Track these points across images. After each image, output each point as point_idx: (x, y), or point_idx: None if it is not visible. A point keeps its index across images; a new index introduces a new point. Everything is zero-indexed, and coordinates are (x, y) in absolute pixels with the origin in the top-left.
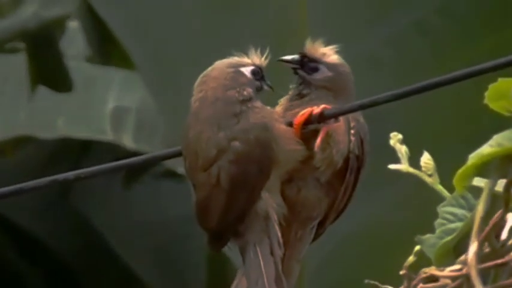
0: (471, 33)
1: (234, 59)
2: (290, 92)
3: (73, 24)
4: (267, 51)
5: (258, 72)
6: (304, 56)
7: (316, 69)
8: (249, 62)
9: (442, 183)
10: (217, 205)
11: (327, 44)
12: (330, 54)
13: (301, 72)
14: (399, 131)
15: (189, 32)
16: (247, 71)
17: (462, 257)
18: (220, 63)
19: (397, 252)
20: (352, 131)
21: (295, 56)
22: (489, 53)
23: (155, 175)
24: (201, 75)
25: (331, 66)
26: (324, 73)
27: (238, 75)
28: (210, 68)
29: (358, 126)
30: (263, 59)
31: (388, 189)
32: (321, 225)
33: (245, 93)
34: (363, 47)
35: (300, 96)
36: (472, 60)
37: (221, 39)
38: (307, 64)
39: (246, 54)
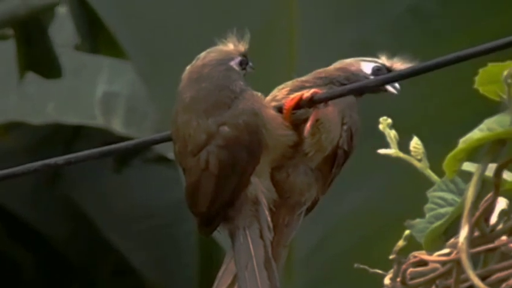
0: (466, 19)
1: (222, 51)
2: (293, 82)
3: (62, 11)
4: (247, 34)
5: (244, 61)
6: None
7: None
8: (235, 52)
9: (431, 167)
10: (206, 190)
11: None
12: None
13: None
14: (389, 116)
15: (179, 19)
16: (236, 64)
17: (451, 241)
18: (210, 58)
19: (387, 237)
20: (344, 127)
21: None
22: (484, 38)
23: (146, 160)
24: (191, 69)
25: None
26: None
27: (230, 72)
28: (200, 63)
29: (350, 122)
30: (246, 43)
31: (378, 174)
32: (308, 211)
33: (237, 89)
34: (357, 33)
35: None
36: (466, 45)
37: (212, 26)
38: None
39: (229, 40)
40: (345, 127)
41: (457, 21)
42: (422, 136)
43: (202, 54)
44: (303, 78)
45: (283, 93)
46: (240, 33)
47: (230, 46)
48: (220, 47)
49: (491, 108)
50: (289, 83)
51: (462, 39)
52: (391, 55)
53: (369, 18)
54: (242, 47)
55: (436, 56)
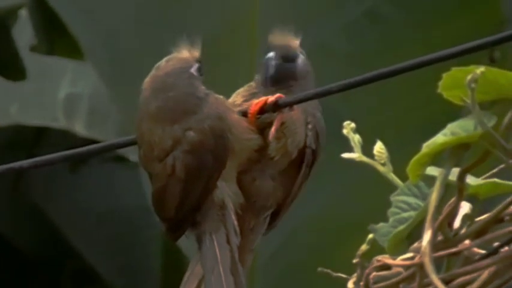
0: (423, 23)
1: (180, 59)
2: (253, 82)
3: (25, 13)
4: (199, 39)
5: (201, 67)
6: (280, 48)
7: (296, 57)
8: (191, 59)
9: (395, 172)
10: (173, 195)
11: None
12: (293, 38)
13: (288, 65)
14: (352, 120)
15: (140, 21)
16: (195, 70)
17: (415, 245)
18: (172, 67)
19: (350, 241)
20: (309, 126)
21: (273, 52)
22: (441, 42)
23: (104, 159)
24: (153, 79)
25: (300, 50)
26: (302, 58)
27: (193, 79)
28: (161, 73)
29: (314, 121)
30: (198, 48)
31: (342, 178)
32: (275, 216)
33: (202, 94)
34: (315, 37)
35: (286, 89)
36: (423, 49)
37: (173, 28)
38: (287, 55)
39: (183, 47)
40: (309, 126)
41: (413, 25)
42: (386, 140)
43: (162, 63)
44: (252, 83)
45: (239, 99)
46: (190, 39)
47: (185, 53)
48: (177, 55)
49: (455, 112)
50: (242, 89)
51: (419, 43)
52: (349, 58)
53: (326, 22)
54: (196, 53)
55: (393, 59)
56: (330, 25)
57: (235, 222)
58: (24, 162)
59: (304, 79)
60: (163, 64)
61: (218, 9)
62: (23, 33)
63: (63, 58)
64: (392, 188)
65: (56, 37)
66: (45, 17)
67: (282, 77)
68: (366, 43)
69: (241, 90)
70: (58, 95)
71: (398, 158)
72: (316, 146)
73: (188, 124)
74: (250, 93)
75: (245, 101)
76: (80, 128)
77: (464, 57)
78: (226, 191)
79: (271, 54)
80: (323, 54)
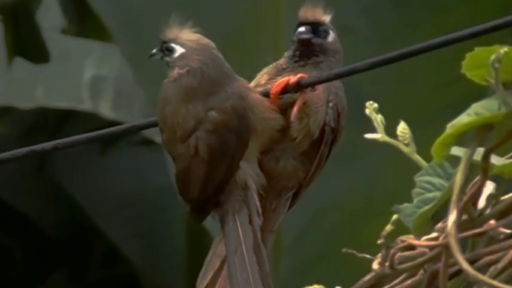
0: (444, 2)
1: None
2: (282, 60)
3: None
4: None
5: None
6: (311, 23)
7: (328, 32)
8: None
9: (418, 152)
10: (197, 176)
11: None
12: (324, 15)
13: (317, 40)
14: (375, 100)
15: (167, 3)
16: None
17: (439, 225)
18: (206, 45)
19: (375, 222)
20: (330, 104)
21: (305, 27)
22: (462, 22)
23: (132, 143)
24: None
25: (331, 27)
26: (333, 34)
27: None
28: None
29: (336, 99)
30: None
31: (365, 159)
32: (295, 196)
33: (230, 73)
34: (336, 17)
35: (314, 64)
36: (444, 29)
37: (200, 11)
38: (318, 30)
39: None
40: (330, 104)
41: (434, 5)
42: (408, 120)
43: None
44: (280, 61)
45: (264, 79)
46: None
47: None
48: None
49: (478, 92)
50: (268, 68)
51: (439, 23)
52: (370, 40)
53: (348, 2)
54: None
55: (413, 41)
56: (351, 6)
57: (258, 203)
58: (46, 145)
59: (333, 56)
60: (198, 39)
61: None
62: (47, 16)
63: (87, 40)
64: (415, 168)
65: (84, 19)
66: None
67: (312, 51)
68: (387, 24)
69: (266, 69)
70: (83, 77)
71: (421, 137)
72: (336, 125)
73: (210, 104)
74: (278, 70)
75: (270, 79)
76: (105, 111)
77: (486, 37)
78: (249, 171)
79: (302, 28)
80: (344, 35)
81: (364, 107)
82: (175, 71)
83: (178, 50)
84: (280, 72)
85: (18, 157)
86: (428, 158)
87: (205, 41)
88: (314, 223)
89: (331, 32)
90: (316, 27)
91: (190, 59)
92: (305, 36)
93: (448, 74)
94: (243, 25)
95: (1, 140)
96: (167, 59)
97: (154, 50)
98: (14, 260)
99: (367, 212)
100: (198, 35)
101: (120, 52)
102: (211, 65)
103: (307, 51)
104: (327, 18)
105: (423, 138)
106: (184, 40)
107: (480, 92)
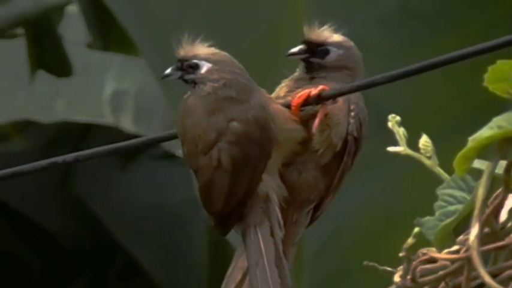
0: (459, 16)
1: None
2: (296, 73)
3: (72, 9)
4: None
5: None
6: (309, 43)
7: (327, 52)
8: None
9: (440, 165)
10: (221, 187)
11: (320, 26)
12: (331, 34)
13: (314, 59)
14: (396, 113)
15: (193, 18)
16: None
17: (461, 238)
18: (228, 56)
19: (396, 235)
20: (352, 114)
21: (301, 46)
22: (478, 33)
23: (153, 157)
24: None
25: (338, 45)
26: (335, 53)
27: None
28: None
29: (357, 109)
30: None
31: (387, 172)
32: (317, 208)
33: (250, 84)
34: (352, 29)
35: (321, 78)
36: (457, 43)
37: (224, 22)
38: (317, 50)
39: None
40: (352, 113)
41: (450, 18)
42: (430, 133)
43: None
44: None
45: (284, 91)
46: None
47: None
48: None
49: (497, 103)
50: (286, 80)
51: (453, 37)
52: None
53: (361, 15)
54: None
55: (427, 54)
56: (366, 18)
57: (279, 215)
58: (67, 156)
59: (336, 72)
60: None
61: (265, 3)
62: (72, 30)
63: (109, 53)
64: (435, 180)
65: (109, 32)
66: (97, 13)
67: (311, 68)
68: (402, 36)
69: (285, 82)
70: (104, 91)
71: (441, 150)
72: (359, 134)
73: (231, 115)
74: (295, 82)
75: (290, 91)
76: (126, 124)
77: (504, 50)
78: (271, 183)
79: (295, 48)
80: (359, 47)
81: (382, 120)
82: (208, 86)
83: (205, 65)
84: (297, 83)
85: (38, 170)
86: (448, 170)
87: (223, 53)
88: (335, 237)
89: (333, 51)
90: (313, 47)
91: (222, 72)
92: (294, 56)
93: (468, 85)
94: (263, 38)
95: (22, 154)
96: (191, 76)
97: (168, 70)
98: (33, 273)
99: (388, 225)
100: (213, 49)
101: (145, 65)
102: (243, 75)
103: (308, 67)
104: (332, 38)
105: (443, 150)
106: (205, 55)
107: (499, 104)
